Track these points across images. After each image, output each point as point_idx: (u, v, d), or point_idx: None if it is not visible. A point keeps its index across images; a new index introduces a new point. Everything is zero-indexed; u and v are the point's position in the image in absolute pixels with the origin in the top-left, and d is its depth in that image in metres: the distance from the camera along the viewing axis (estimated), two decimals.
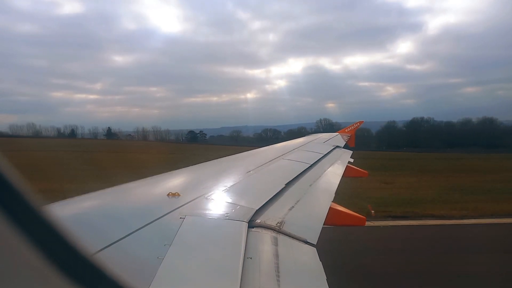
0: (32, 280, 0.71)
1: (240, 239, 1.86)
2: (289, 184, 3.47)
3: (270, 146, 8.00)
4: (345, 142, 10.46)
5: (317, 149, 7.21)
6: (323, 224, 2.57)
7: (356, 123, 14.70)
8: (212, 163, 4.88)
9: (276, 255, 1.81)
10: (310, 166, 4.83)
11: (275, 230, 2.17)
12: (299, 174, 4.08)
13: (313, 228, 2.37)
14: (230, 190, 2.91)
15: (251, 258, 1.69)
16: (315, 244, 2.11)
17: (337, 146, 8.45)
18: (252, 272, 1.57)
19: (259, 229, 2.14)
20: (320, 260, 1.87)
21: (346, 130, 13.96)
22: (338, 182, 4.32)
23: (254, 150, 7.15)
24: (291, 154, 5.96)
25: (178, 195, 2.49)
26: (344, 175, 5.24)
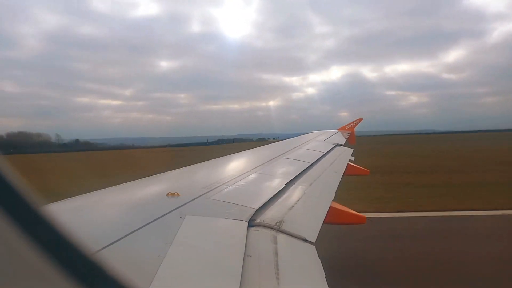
0: (32, 279, 0.71)
1: (240, 238, 1.86)
2: (289, 183, 3.48)
3: (270, 144, 8.00)
4: (345, 140, 10.47)
5: (318, 147, 7.21)
6: (324, 223, 2.57)
7: (356, 120, 14.71)
8: (211, 162, 4.88)
9: (276, 253, 1.81)
10: (310, 165, 4.84)
11: (275, 229, 2.17)
12: (300, 173, 4.08)
13: (313, 227, 2.38)
14: (230, 189, 2.91)
15: (250, 256, 1.70)
16: (314, 242, 2.12)
17: (338, 144, 8.46)
18: (252, 270, 1.58)
19: (258, 228, 2.14)
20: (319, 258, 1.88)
21: (346, 128, 13.95)
22: (338, 181, 4.32)
23: (254, 149, 7.15)
24: (292, 153, 5.96)
25: (178, 194, 2.50)
26: (344, 174, 5.25)
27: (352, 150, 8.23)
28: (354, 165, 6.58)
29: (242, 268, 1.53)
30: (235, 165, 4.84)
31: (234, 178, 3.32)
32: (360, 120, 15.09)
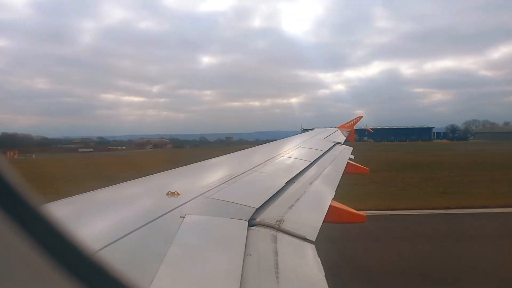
0: (33, 279, 0.71)
1: (240, 238, 1.87)
2: (289, 182, 3.48)
3: (270, 143, 8.01)
4: (345, 138, 10.47)
5: (318, 146, 7.22)
6: (324, 222, 2.58)
7: (356, 118, 14.71)
8: (212, 161, 4.88)
9: (275, 252, 1.82)
10: (310, 164, 4.84)
11: (275, 228, 2.18)
12: (300, 172, 4.09)
13: (313, 226, 2.38)
14: (230, 188, 2.91)
15: (250, 255, 1.70)
16: (314, 241, 2.12)
17: (338, 143, 8.46)
18: (252, 270, 1.58)
19: (258, 228, 2.15)
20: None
21: (346, 125, 13.95)
22: (338, 180, 4.33)
23: (254, 147, 7.15)
24: (291, 151, 5.95)
25: (178, 194, 2.50)
26: (344, 172, 5.26)
27: (352, 148, 8.24)
28: (354, 163, 6.59)
29: (242, 268, 1.53)
30: (235, 164, 4.84)
31: (234, 177, 3.32)
32: (360, 117, 15.08)
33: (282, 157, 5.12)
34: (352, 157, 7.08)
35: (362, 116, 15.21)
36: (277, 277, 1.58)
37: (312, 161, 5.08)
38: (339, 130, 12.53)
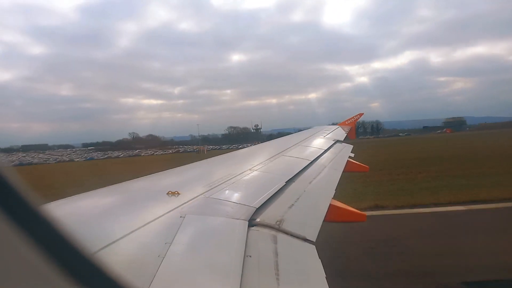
0: (32, 279, 0.71)
1: (240, 238, 1.86)
2: (289, 181, 3.47)
3: (269, 142, 7.99)
4: (345, 135, 10.43)
5: (318, 144, 7.20)
6: (324, 221, 2.57)
7: (356, 115, 14.62)
8: (211, 161, 4.88)
9: (276, 253, 1.82)
10: (310, 163, 4.83)
11: (275, 229, 2.17)
12: (300, 171, 4.08)
13: (313, 226, 2.38)
14: (230, 188, 2.91)
15: (250, 256, 1.70)
16: (314, 241, 2.12)
17: (338, 141, 8.44)
18: (252, 270, 1.58)
19: (259, 228, 2.14)
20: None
21: (346, 123, 13.87)
22: (338, 178, 4.32)
23: (254, 146, 7.15)
24: (291, 150, 5.94)
25: (178, 193, 2.50)
26: (344, 170, 5.25)
27: (352, 146, 8.22)
28: (354, 161, 6.57)
29: (242, 268, 1.53)
30: (235, 163, 4.83)
31: (234, 177, 3.31)
32: (361, 114, 15.00)
33: (282, 156, 5.11)
34: (352, 155, 7.06)
35: (363, 113, 15.11)
36: (278, 279, 1.58)
37: (312, 159, 5.07)
38: (339, 127, 12.46)
